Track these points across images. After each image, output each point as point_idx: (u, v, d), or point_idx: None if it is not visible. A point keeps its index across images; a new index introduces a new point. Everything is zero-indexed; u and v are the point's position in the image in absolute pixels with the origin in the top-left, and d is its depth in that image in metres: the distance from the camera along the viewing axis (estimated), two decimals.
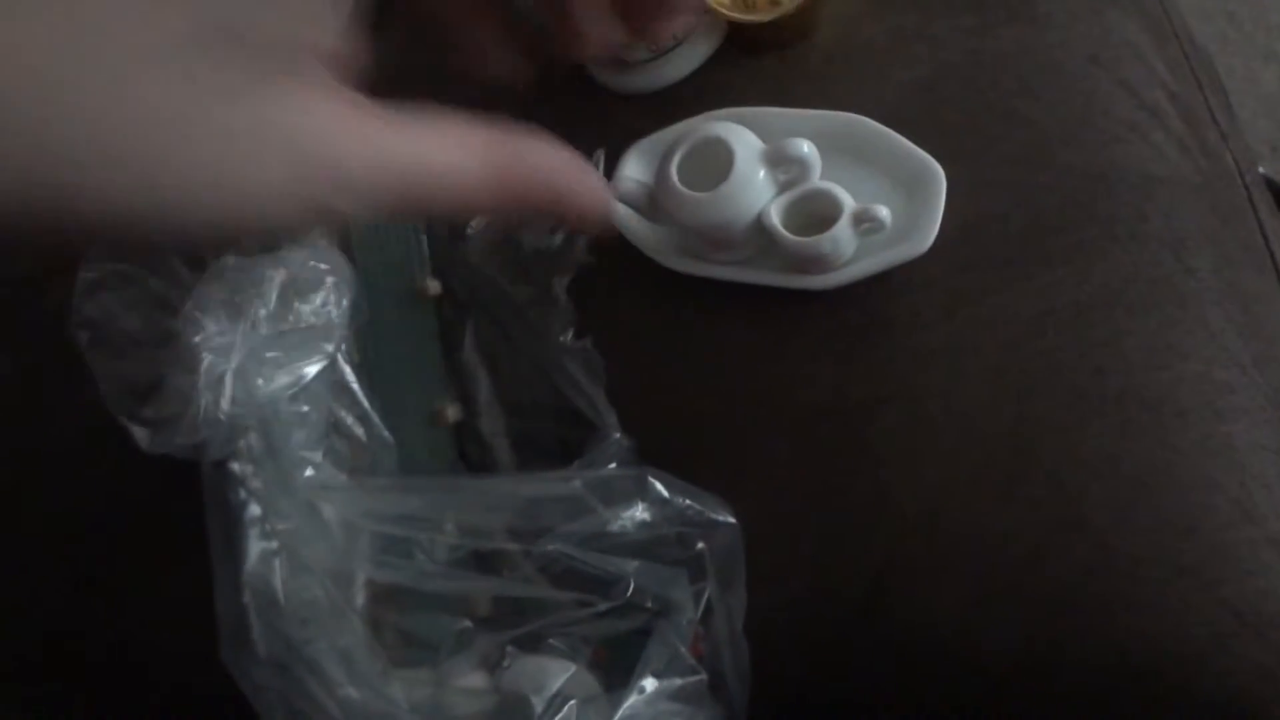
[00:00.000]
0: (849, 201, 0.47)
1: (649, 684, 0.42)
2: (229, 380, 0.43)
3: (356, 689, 0.41)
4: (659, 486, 0.45)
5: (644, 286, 0.54)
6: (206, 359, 0.43)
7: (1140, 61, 0.53)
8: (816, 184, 0.48)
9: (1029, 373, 0.47)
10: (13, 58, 0.17)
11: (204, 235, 0.21)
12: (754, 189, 0.47)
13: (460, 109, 0.25)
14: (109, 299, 0.47)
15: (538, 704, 0.42)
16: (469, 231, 0.54)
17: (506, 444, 0.52)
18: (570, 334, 0.52)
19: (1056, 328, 0.47)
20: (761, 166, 0.48)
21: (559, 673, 0.44)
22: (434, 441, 0.53)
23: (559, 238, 0.54)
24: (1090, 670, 0.44)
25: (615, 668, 0.44)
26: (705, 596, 0.45)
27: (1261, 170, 0.58)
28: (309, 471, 0.45)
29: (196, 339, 0.43)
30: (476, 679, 0.44)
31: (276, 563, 0.43)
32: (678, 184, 0.48)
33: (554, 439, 0.51)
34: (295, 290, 0.45)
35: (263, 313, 0.44)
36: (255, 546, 0.44)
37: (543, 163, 0.25)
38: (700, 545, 0.45)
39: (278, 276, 0.45)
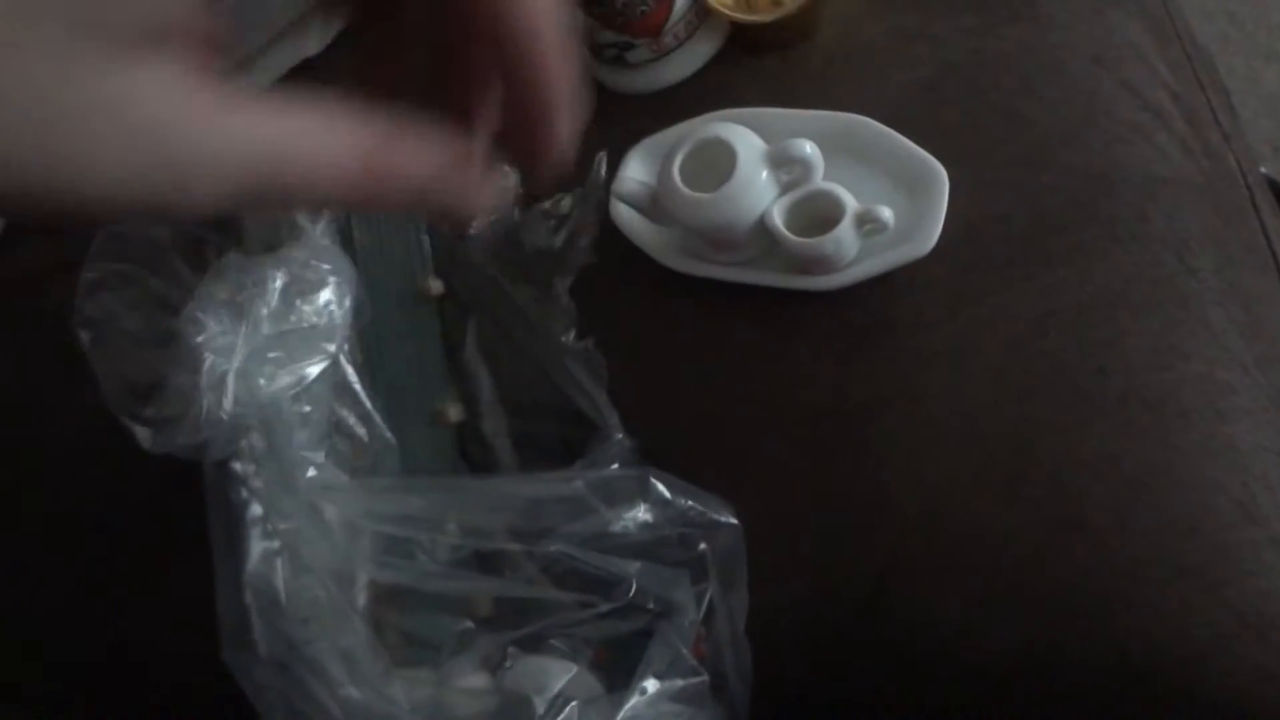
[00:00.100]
0: (851, 202, 0.47)
1: (651, 685, 0.42)
2: (231, 380, 0.43)
3: (358, 689, 0.41)
4: (661, 487, 0.45)
5: (646, 287, 0.54)
6: (208, 359, 0.43)
7: (1142, 62, 0.53)
8: (819, 185, 0.48)
9: (1031, 373, 0.47)
10: None
11: (73, 214, 0.21)
12: (756, 190, 0.47)
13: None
14: (110, 299, 0.47)
15: (539, 704, 0.42)
16: (471, 232, 0.54)
17: (508, 444, 0.52)
18: (572, 334, 0.52)
19: (1058, 328, 0.47)
20: (764, 167, 0.47)
21: (560, 673, 0.43)
22: (436, 442, 0.53)
23: (561, 238, 0.54)
24: (1091, 671, 0.44)
25: (617, 668, 0.44)
26: (707, 597, 0.44)
27: (1263, 170, 0.58)
28: (311, 471, 0.45)
29: (199, 339, 0.43)
30: (478, 679, 0.44)
31: (278, 562, 0.43)
32: (680, 185, 0.48)
33: (556, 439, 0.51)
34: (297, 290, 0.45)
35: (265, 313, 0.44)
36: (257, 546, 0.43)
37: (411, 158, 0.24)
38: (702, 546, 0.45)
39: (280, 276, 0.45)
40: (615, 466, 0.47)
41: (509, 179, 0.50)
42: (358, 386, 0.49)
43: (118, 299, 0.47)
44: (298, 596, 0.43)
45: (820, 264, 0.48)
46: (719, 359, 0.52)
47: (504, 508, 0.45)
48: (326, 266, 0.46)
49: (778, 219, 0.47)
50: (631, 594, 0.44)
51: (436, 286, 0.54)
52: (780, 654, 0.47)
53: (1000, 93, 0.52)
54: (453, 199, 0.25)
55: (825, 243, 0.47)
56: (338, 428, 0.48)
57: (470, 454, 0.53)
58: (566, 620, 0.45)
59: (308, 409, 0.46)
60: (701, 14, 0.57)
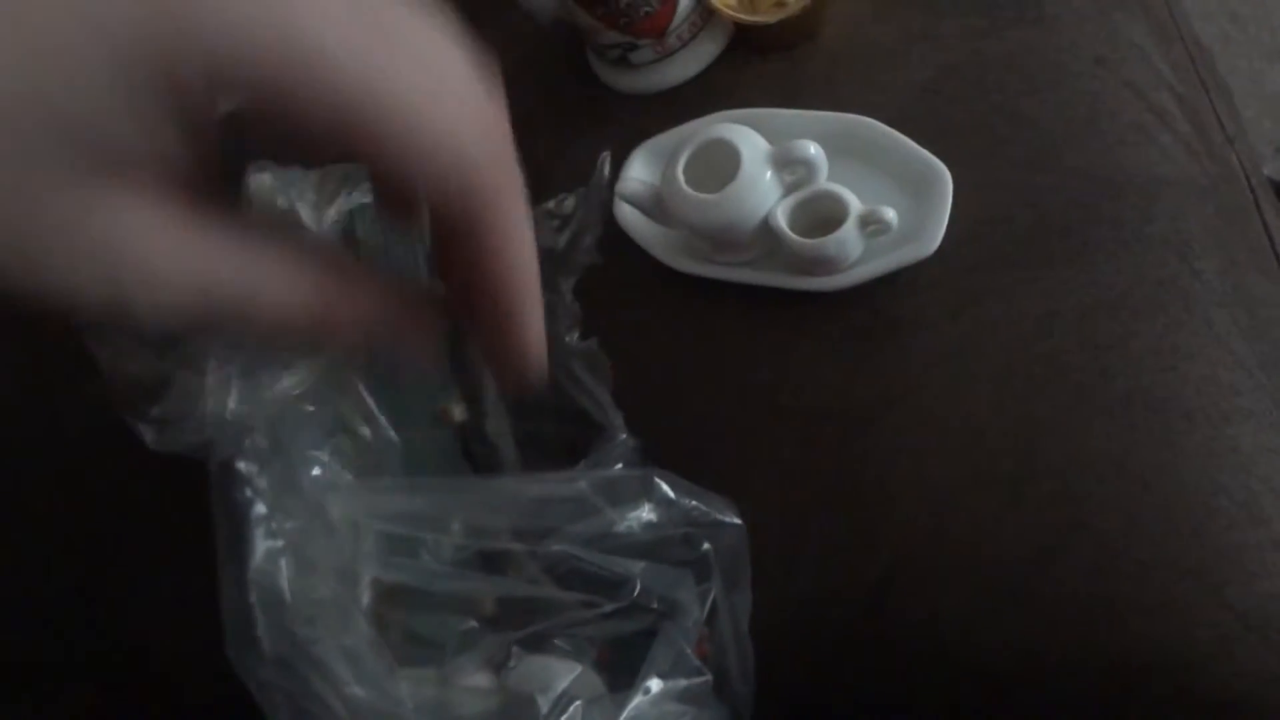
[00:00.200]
0: (855, 203, 0.47)
1: (654, 685, 0.42)
2: (235, 379, 0.43)
3: (362, 688, 0.41)
4: (665, 487, 0.45)
5: (650, 288, 0.54)
6: (213, 358, 0.43)
7: (1146, 63, 0.53)
8: (823, 185, 0.48)
9: (1034, 374, 0.47)
10: None
11: (36, 303, 0.22)
12: (760, 190, 0.47)
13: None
14: None
15: (543, 704, 0.42)
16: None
17: (512, 444, 0.52)
18: (576, 334, 0.52)
19: (1062, 329, 0.47)
20: (768, 168, 0.48)
21: (564, 673, 0.43)
22: (440, 441, 0.53)
23: (565, 238, 0.54)
24: (1094, 672, 0.44)
25: (620, 668, 0.44)
26: (711, 597, 0.44)
27: (1266, 172, 0.58)
28: (315, 471, 0.45)
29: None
30: (482, 679, 0.44)
31: (282, 561, 0.43)
32: (684, 185, 0.48)
33: (560, 439, 0.51)
34: None
35: None
36: (261, 545, 0.43)
37: (355, 311, 0.25)
38: (706, 546, 0.45)
39: None
40: (619, 466, 0.47)
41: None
42: (361, 386, 0.49)
43: None
44: (302, 595, 0.43)
45: (824, 265, 0.48)
46: (722, 359, 0.52)
47: (508, 508, 0.45)
48: None
49: (782, 220, 0.47)
50: (635, 594, 0.44)
51: (440, 286, 0.54)
52: (784, 654, 0.47)
53: (1004, 94, 0.52)
54: (397, 344, 0.26)
55: (829, 243, 0.47)
56: (342, 427, 0.48)
57: (474, 454, 0.53)
58: (570, 620, 0.45)
59: (312, 408, 0.45)
60: (705, 15, 0.57)
